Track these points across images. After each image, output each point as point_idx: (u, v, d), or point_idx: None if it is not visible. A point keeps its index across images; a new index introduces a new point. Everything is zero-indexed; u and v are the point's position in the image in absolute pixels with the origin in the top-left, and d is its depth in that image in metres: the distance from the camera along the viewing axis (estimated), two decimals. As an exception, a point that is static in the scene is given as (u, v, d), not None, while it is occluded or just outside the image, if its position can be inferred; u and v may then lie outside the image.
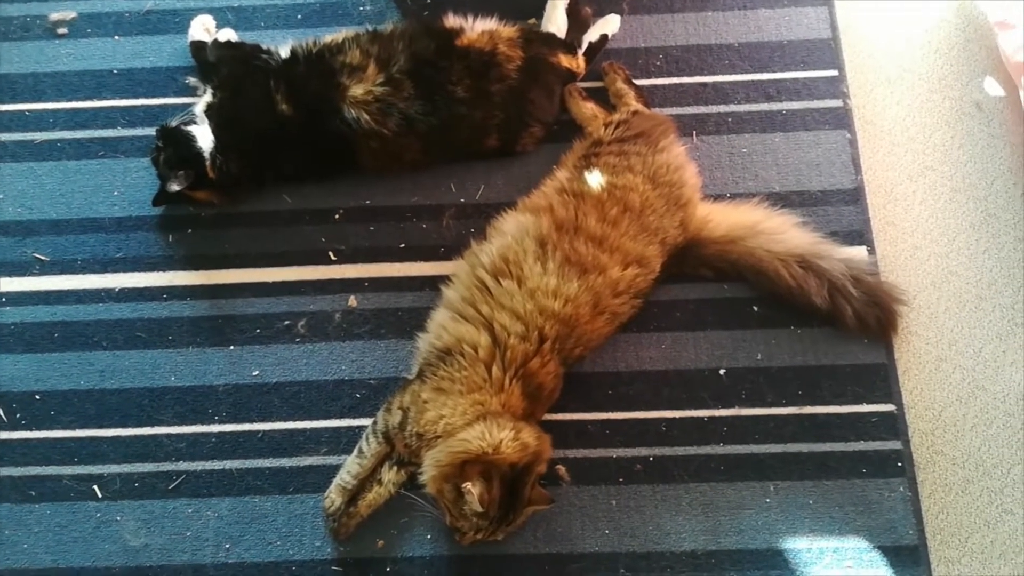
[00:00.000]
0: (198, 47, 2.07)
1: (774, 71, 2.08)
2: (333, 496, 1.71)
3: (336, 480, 1.72)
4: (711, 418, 1.80)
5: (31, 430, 1.84)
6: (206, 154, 1.90)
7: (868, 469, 1.75)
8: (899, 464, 1.75)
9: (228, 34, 2.08)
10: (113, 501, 1.78)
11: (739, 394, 1.82)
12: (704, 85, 2.08)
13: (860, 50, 2.13)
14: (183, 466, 1.80)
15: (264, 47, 1.97)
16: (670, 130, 1.90)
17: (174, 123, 1.94)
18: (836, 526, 1.72)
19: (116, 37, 2.17)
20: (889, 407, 1.80)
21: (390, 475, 1.71)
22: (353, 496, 1.71)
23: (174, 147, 1.90)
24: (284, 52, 1.94)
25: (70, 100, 2.11)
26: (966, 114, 2.08)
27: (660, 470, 1.77)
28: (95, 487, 1.79)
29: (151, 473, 1.80)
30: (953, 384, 1.85)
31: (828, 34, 2.11)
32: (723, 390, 1.82)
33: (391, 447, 1.71)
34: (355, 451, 1.73)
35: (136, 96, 2.11)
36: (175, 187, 1.86)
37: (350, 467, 1.72)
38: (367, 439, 1.72)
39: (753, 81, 2.08)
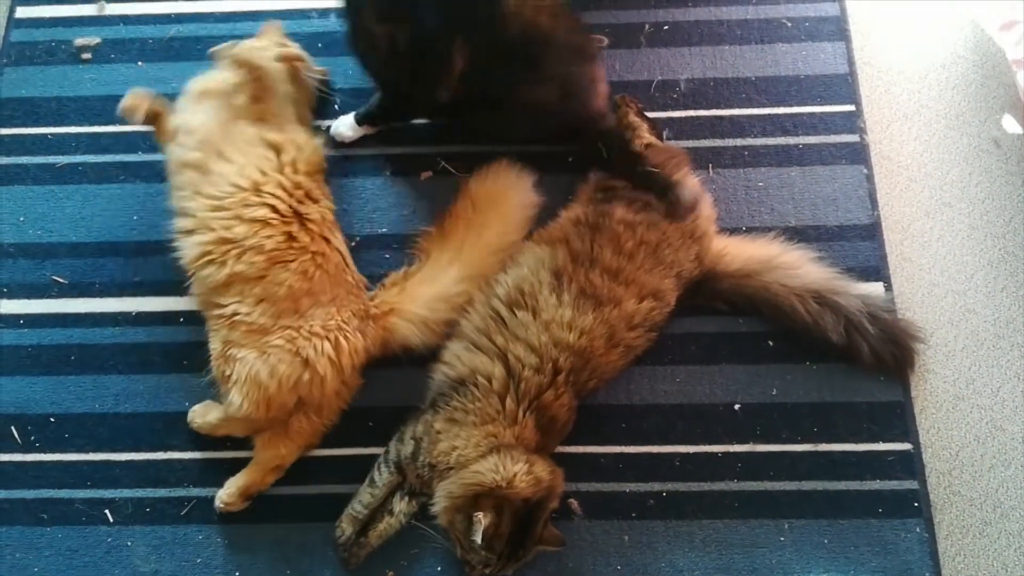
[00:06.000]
0: None
1: (791, 105, 2.09)
2: (344, 525, 1.71)
3: (347, 509, 1.72)
4: (725, 454, 1.79)
5: (45, 453, 1.85)
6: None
7: (884, 509, 1.73)
8: (916, 504, 1.74)
9: None
10: (124, 526, 1.78)
11: (754, 430, 1.81)
12: (720, 118, 2.08)
13: (877, 85, 2.14)
14: (195, 492, 1.80)
15: None
16: (684, 163, 1.90)
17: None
18: (851, 567, 1.70)
19: (139, 63, 2.20)
20: (906, 446, 1.78)
21: (401, 505, 1.71)
22: (364, 526, 1.71)
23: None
24: None
25: (92, 124, 2.13)
26: (984, 151, 2.07)
27: (673, 505, 1.75)
28: (107, 511, 1.79)
29: (163, 498, 1.80)
30: (971, 423, 1.83)
31: (845, 69, 2.12)
32: (737, 425, 1.81)
33: (403, 477, 1.71)
34: (367, 480, 1.72)
35: (157, 122, 2.13)
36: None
37: (361, 496, 1.71)
38: (379, 468, 1.72)
39: (770, 115, 2.08)
